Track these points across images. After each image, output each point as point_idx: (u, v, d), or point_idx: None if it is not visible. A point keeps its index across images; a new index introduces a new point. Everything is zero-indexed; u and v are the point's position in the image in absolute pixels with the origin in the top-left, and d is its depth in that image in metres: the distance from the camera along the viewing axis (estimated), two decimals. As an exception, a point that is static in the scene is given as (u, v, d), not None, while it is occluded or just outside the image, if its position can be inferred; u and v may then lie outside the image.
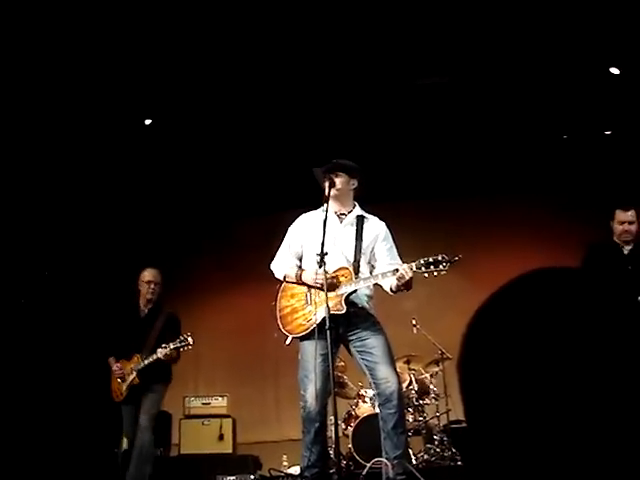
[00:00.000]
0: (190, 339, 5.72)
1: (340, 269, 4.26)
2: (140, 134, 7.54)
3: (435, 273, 4.02)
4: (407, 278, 4.02)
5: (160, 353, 5.64)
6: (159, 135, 7.65)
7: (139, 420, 5.74)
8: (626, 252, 5.42)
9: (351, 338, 4.24)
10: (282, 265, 4.56)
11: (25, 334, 6.99)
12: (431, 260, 4.01)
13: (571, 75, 6.93)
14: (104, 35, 5.91)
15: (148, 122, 7.34)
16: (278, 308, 4.43)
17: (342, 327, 4.21)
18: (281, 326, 4.36)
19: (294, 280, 4.40)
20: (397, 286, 4.16)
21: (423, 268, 4.01)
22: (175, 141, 7.87)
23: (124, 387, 5.83)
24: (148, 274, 6.18)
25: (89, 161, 7.62)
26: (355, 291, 4.22)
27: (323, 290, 4.02)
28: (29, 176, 7.35)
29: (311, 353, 4.10)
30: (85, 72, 6.33)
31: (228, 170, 8.47)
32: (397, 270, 4.06)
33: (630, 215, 5.42)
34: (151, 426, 5.76)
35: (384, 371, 4.13)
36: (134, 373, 5.76)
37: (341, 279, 4.21)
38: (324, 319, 4.00)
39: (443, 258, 4.01)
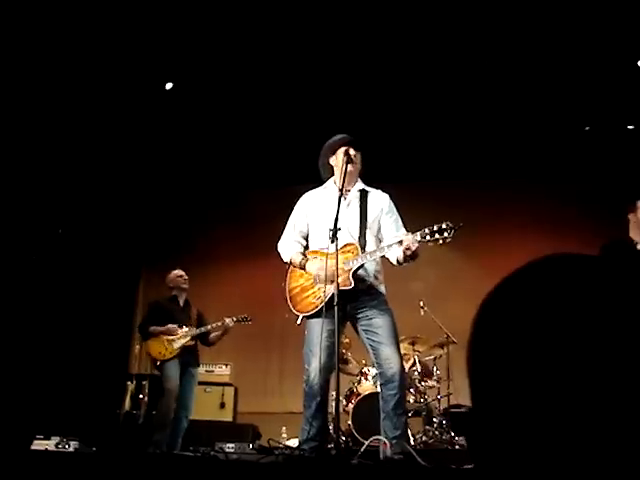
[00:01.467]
0: (250, 320, 6.88)
1: (346, 245, 4.23)
2: (156, 102, 7.52)
3: (440, 241, 4.00)
4: (413, 249, 4.01)
5: (228, 320, 6.66)
6: (176, 104, 7.63)
7: (186, 405, 6.47)
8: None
9: (358, 316, 4.23)
10: (288, 248, 4.55)
11: (36, 289, 7.03)
12: (435, 228, 3.99)
13: (599, 66, 6.85)
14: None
15: (169, 86, 7.31)
16: (287, 289, 4.41)
17: (350, 304, 4.20)
18: (291, 306, 4.35)
19: (298, 267, 4.40)
20: (404, 257, 4.14)
21: (428, 237, 3.99)
22: (191, 110, 7.85)
23: (175, 346, 6.50)
24: (175, 271, 7.02)
25: (105, 125, 7.62)
26: (362, 266, 4.22)
27: (324, 284, 4.06)
28: (47, 138, 7.36)
29: (317, 329, 4.10)
30: (103, 36, 6.32)
31: (243, 140, 8.45)
32: (402, 241, 4.05)
33: None
34: (191, 408, 6.54)
35: (388, 352, 4.13)
36: (188, 337, 6.56)
37: (347, 255, 4.21)
38: (333, 296, 4.00)
39: (447, 225, 3.98)
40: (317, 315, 4.17)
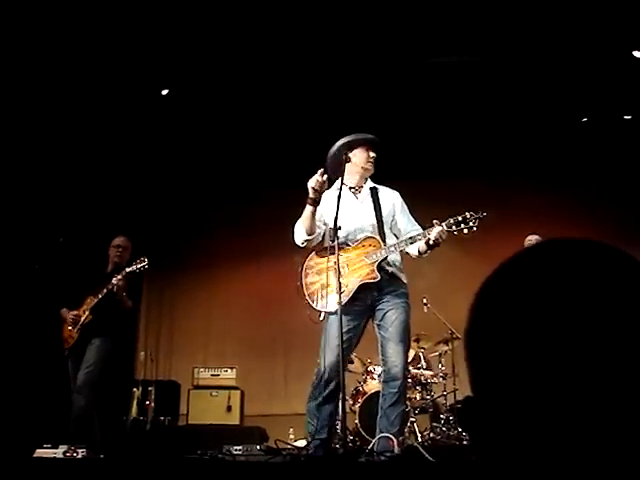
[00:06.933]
0: (145, 260, 5.50)
1: (366, 239, 4.27)
2: (162, 103, 7.52)
3: (465, 230, 4.08)
4: (444, 237, 4.08)
5: (115, 280, 5.42)
6: (179, 106, 7.64)
7: (77, 377, 5.48)
8: None
9: (377, 308, 4.24)
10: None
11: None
12: (460, 218, 4.07)
13: (593, 57, 6.85)
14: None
15: (165, 92, 7.31)
16: (305, 286, 4.34)
17: (372, 297, 4.22)
18: (312, 303, 4.28)
19: (310, 212, 4.24)
20: (426, 247, 4.20)
21: (454, 227, 4.06)
22: (197, 112, 7.85)
23: (76, 329, 5.62)
24: (117, 239, 6.06)
25: (105, 128, 7.64)
26: (386, 258, 4.23)
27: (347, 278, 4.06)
28: (47, 145, 7.38)
29: (336, 324, 4.10)
30: (101, 41, 6.33)
31: (247, 142, 8.44)
32: (426, 233, 4.12)
33: (528, 239, 5.97)
34: (88, 385, 5.47)
35: (394, 349, 4.13)
36: (87, 312, 5.59)
37: (370, 249, 4.22)
38: (359, 288, 4.08)
39: (471, 215, 4.06)
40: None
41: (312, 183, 4.15)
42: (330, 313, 4.23)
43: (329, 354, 4.13)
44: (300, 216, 4.35)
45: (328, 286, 4.25)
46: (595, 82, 7.25)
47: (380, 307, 4.23)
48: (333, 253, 4.17)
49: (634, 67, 6.84)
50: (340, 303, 3.90)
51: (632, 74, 6.97)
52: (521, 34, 6.52)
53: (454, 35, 6.64)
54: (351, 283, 4.14)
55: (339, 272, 3.95)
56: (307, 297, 4.32)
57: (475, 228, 4.09)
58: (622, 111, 7.99)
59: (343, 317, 3.97)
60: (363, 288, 4.15)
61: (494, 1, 6.10)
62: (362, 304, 4.19)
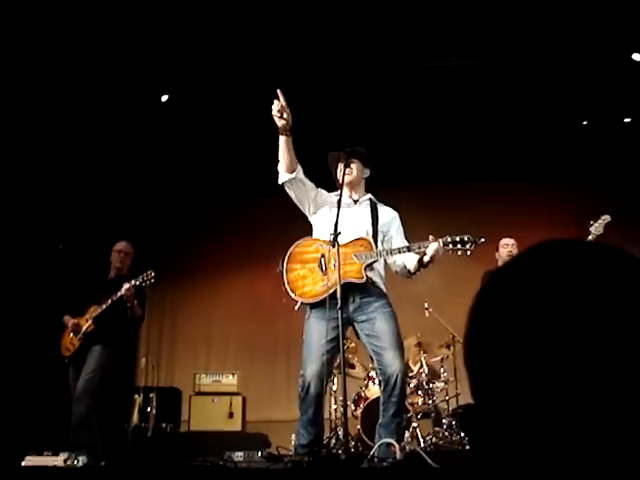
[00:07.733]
0: (152, 273, 5.51)
1: (358, 239, 4.21)
2: (161, 108, 7.52)
3: (459, 252, 4.04)
4: (440, 255, 4.04)
5: (123, 289, 5.41)
6: (181, 114, 7.64)
7: (77, 385, 5.46)
8: None
9: (361, 318, 4.14)
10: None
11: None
12: (457, 239, 4.03)
13: (593, 61, 6.85)
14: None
15: (165, 98, 7.32)
16: (286, 273, 4.22)
17: (353, 304, 4.13)
18: (290, 291, 4.16)
19: (283, 142, 4.18)
20: (417, 266, 4.17)
21: (450, 245, 4.03)
22: (196, 121, 7.86)
23: (77, 337, 5.59)
24: (119, 244, 6.01)
25: (109, 134, 7.65)
26: (374, 262, 4.19)
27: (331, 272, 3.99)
28: (47, 152, 7.39)
29: (316, 330, 4.05)
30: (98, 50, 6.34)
31: (247, 148, 8.44)
32: (422, 246, 4.07)
33: (503, 243, 6.21)
34: (88, 393, 5.42)
35: (390, 357, 4.05)
36: (89, 321, 5.56)
37: (359, 249, 4.17)
38: (342, 287, 3.89)
39: (469, 239, 4.02)
40: (317, 306, 4.10)
41: (274, 110, 4.07)
42: (306, 304, 4.15)
43: (312, 364, 4.03)
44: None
45: (309, 276, 4.17)
46: (595, 85, 7.25)
47: (367, 317, 4.13)
48: (322, 245, 4.18)
49: (634, 70, 6.84)
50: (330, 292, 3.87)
51: (632, 77, 6.97)
52: (522, 37, 6.53)
53: (454, 38, 6.65)
54: (334, 279, 3.97)
55: (339, 277, 3.91)
56: (286, 285, 4.19)
57: (470, 252, 4.07)
58: (622, 113, 8.00)
59: (324, 325, 3.93)
60: (346, 288, 4.01)
61: (495, 4, 6.09)
62: (341, 312, 3.90)
